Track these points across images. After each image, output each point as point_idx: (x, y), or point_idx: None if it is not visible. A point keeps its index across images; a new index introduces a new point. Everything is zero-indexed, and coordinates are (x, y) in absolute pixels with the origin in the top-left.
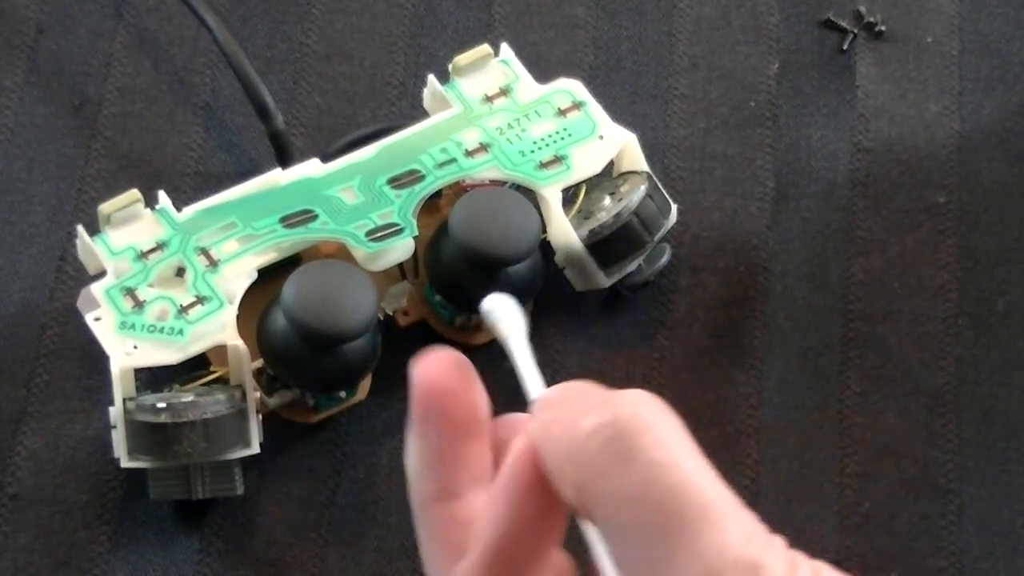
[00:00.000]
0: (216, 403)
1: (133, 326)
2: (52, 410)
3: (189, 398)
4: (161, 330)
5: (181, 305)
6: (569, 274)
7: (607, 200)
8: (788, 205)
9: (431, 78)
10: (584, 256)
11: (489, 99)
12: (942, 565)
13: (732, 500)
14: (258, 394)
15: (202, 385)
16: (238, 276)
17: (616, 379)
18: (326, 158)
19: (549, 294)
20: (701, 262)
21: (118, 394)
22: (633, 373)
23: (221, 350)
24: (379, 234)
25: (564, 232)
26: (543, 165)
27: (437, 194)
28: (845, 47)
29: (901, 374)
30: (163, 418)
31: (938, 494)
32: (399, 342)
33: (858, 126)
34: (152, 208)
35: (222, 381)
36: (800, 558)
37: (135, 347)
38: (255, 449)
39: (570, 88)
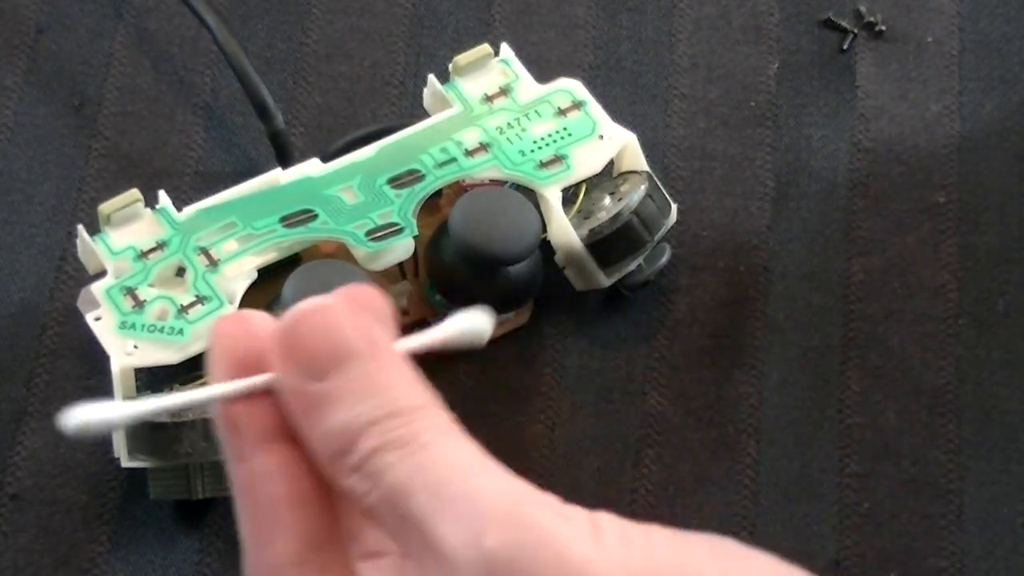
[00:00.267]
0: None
1: (133, 326)
2: (52, 410)
3: None
4: (161, 330)
5: (181, 305)
6: (569, 274)
7: (607, 200)
8: (788, 205)
9: (431, 78)
10: (584, 256)
11: (489, 99)
12: (942, 565)
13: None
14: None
15: (202, 385)
16: (238, 276)
17: (616, 379)
18: (326, 158)
19: (549, 294)
20: (701, 262)
21: (118, 394)
22: (633, 373)
23: None
24: (379, 234)
25: (564, 232)
26: (543, 165)
27: (437, 194)
28: (845, 47)
29: (901, 374)
30: (163, 418)
31: (938, 494)
32: None
33: (858, 126)
34: (152, 208)
35: None
36: (577, 509)
37: (135, 347)
38: None
39: (570, 88)
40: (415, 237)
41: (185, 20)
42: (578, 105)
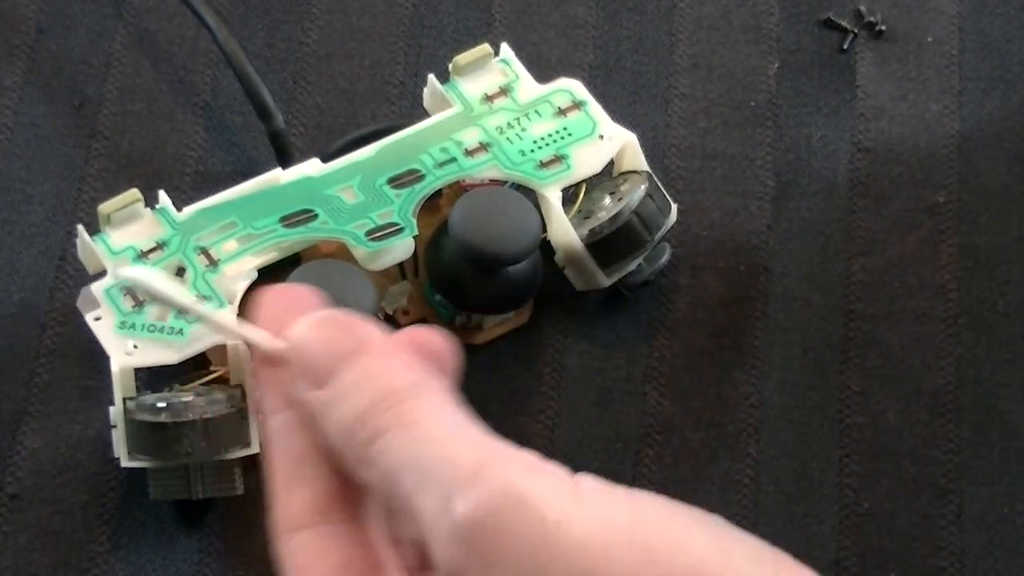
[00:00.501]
0: (216, 403)
1: (133, 326)
2: (52, 410)
3: (189, 398)
4: (161, 330)
5: None
6: (569, 274)
7: (607, 200)
8: (788, 205)
9: (431, 78)
10: (584, 256)
11: (489, 99)
12: (942, 565)
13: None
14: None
15: (202, 385)
16: (238, 276)
17: (616, 379)
18: (326, 158)
19: (549, 294)
20: (701, 262)
21: (118, 394)
22: (633, 373)
23: (221, 350)
24: (379, 234)
25: (564, 232)
26: (543, 165)
27: (437, 194)
28: (845, 47)
29: (901, 374)
30: (163, 418)
31: (938, 494)
32: None
33: (858, 126)
34: (152, 208)
35: (222, 381)
36: (556, 467)
37: (135, 347)
38: (255, 449)
39: (570, 88)
40: (415, 237)
41: (185, 20)
42: (578, 105)
